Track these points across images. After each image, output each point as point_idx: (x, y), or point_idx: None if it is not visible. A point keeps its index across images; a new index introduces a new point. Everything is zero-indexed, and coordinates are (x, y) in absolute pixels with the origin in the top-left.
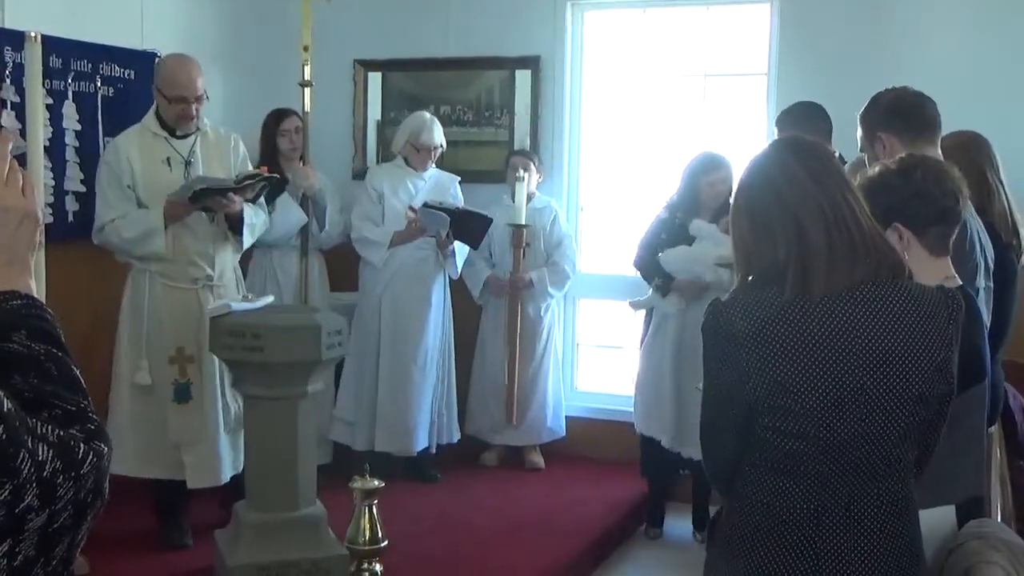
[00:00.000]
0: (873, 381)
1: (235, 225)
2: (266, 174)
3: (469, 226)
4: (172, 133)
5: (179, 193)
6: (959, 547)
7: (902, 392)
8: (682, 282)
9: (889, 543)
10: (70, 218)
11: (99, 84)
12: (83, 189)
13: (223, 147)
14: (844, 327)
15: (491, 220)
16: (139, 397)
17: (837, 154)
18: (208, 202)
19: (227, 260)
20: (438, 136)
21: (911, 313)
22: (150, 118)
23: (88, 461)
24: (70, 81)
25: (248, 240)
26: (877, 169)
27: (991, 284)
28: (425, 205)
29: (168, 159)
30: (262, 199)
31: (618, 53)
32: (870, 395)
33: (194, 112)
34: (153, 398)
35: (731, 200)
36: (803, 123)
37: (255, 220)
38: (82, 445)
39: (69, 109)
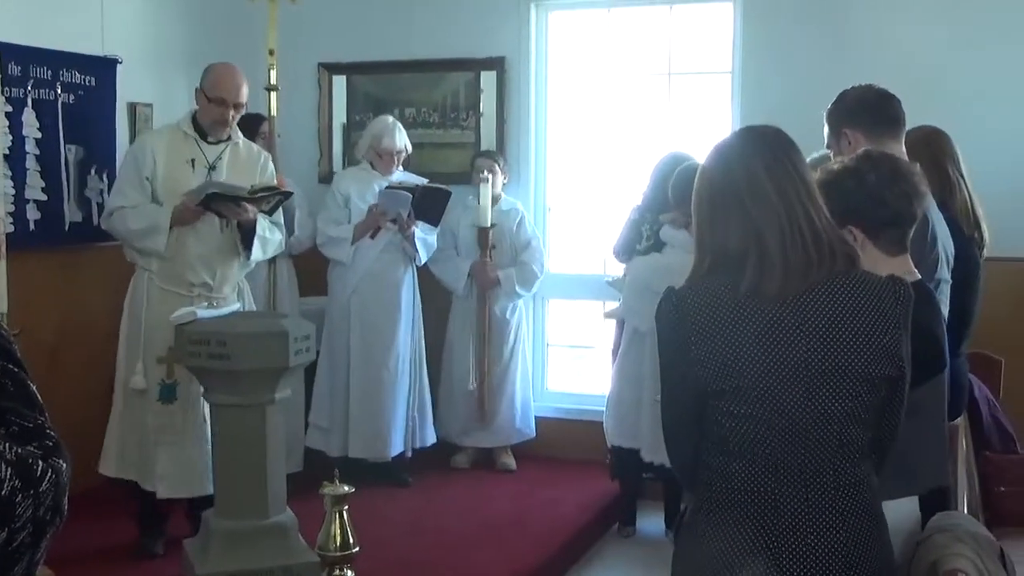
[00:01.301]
0: (818, 360)
1: (247, 237)
2: (282, 188)
3: (430, 202)
4: (203, 137)
5: (193, 194)
6: (926, 540)
7: (846, 371)
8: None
9: (849, 524)
10: (31, 227)
11: (59, 91)
12: (44, 197)
13: (252, 162)
14: (793, 312)
15: (450, 193)
16: (134, 400)
17: None
18: (221, 207)
19: (230, 273)
20: (400, 140)
21: (856, 297)
22: (185, 119)
23: (47, 478)
24: (29, 88)
25: (258, 253)
26: (834, 168)
27: (950, 277)
28: (388, 187)
29: (193, 160)
30: (282, 220)
31: (583, 53)
32: (815, 374)
33: (230, 119)
34: (146, 401)
35: (695, 183)
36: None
37: (268, 235)
38: (40, 462)
39: (29, 117)
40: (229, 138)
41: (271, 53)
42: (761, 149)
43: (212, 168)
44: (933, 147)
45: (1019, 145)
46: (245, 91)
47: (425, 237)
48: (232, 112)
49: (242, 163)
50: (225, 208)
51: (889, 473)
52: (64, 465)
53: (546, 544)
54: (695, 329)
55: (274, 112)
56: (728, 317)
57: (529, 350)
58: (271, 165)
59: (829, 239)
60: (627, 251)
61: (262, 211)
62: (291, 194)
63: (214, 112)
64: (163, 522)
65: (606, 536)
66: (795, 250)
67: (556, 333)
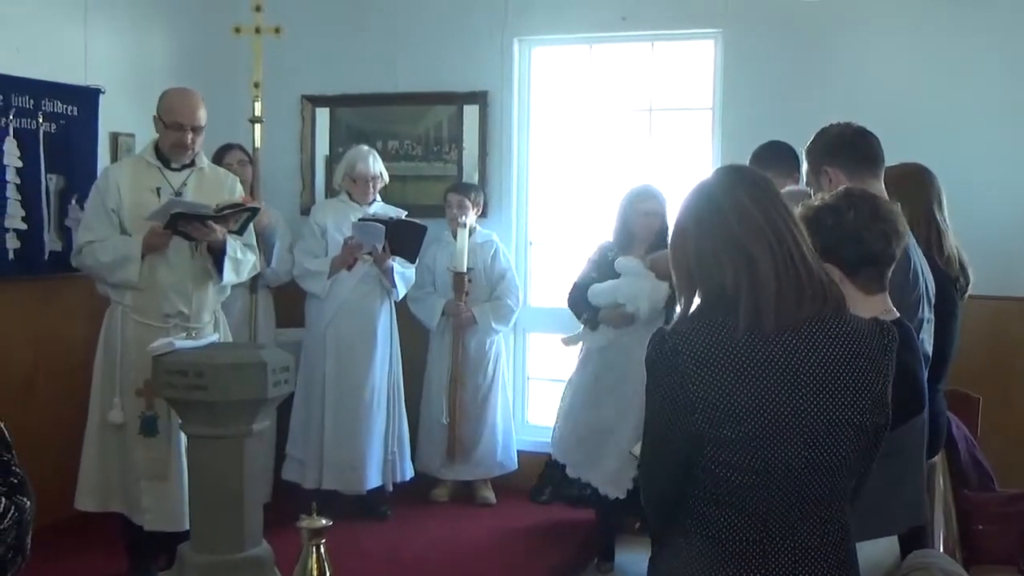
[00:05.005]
0: (815, 410)
1: (218, 259)
2: (247, 204)
3: (404, 237)
4: (167, 164)
5: (156, 215)
6: None
7: (842, 421)
8: (607, 313)
9: (833, 571)
10: (11, 256)
11: (41, 120)
12: (24, 227)
13: (219, 185)
14: (788, 359)
15: (426, 228)
16: (109, 433)
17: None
18: (187, 228)
19: (206, 300)
20: (374, 166)
21: (849, 345)
22: (148, 148)
23: (9, 515)
24: (11, 117)
25: (230, 275)
26: (814, 204)
27: (932, 316)
28: (360, 219)
29: (158, 189)
30: (254, 242)
31: (565, 88)
32: (812, 424)
33: (189, 142)
34: (123, 433)
35: (673, 224)
36: (773, 164)
37: (241, 256)
38: (3, 500)
39: (10, 146)
40: (194, 163)
41: (256, 86)
42: (743, 181)
43: (178, 195)
44: (917, 184)
45: (996, 183)
46: (202, 114)
47: (403, 271)
48: (191, 135)
49: (209, 187)
50: (192, 229)
51: (869, 513)
52: (28, 503)
53: None
54: (691, 373)
55: (258, 144)
56: (725, 362)
57: (509, 383)
58: (239, 187)
59: (818, 273)
60: (586, 286)
61: (231, 231)
62: (258, 210)
63: (172, 137)
64: (155, 552)
65: (584, 572)
66: (787, 274)
67: (537, 366)
